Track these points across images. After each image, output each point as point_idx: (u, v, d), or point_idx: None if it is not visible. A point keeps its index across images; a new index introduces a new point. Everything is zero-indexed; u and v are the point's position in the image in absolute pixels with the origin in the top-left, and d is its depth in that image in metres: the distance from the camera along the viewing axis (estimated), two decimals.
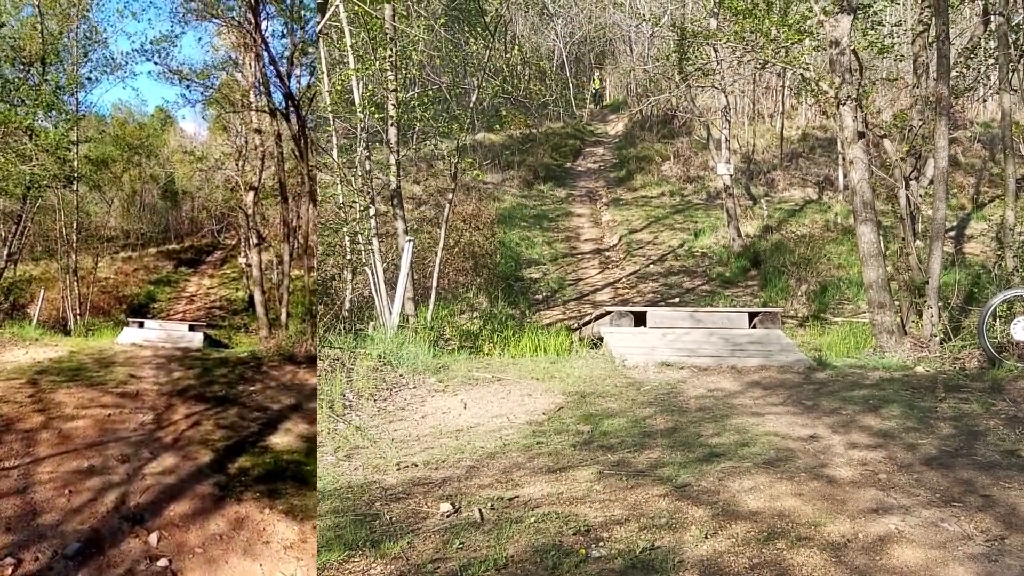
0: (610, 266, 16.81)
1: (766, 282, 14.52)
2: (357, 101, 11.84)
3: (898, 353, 8.67)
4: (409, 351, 7.73)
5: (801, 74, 11.79)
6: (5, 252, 17.48)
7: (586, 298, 14.97)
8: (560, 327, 11.85)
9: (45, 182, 16.27)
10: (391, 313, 9.25)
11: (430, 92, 11.53)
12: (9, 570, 3.79)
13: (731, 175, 16.80)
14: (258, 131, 16.01)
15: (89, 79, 18.89)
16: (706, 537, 3.92)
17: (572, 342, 9.79)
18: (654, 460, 5.10)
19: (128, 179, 27.68)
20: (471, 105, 11.48)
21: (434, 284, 11.25)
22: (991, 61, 10.38)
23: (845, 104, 9.67)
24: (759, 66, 14.39)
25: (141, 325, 15.62)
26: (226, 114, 19.69)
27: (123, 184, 27.24)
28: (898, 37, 10.77)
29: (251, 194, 15.90)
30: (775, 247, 15.88)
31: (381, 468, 5.16)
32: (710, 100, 24.01)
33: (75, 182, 18.91)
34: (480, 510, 4.34)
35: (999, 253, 9.13)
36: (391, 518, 4.31)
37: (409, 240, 9.21)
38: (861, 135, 9.68)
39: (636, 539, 3.93)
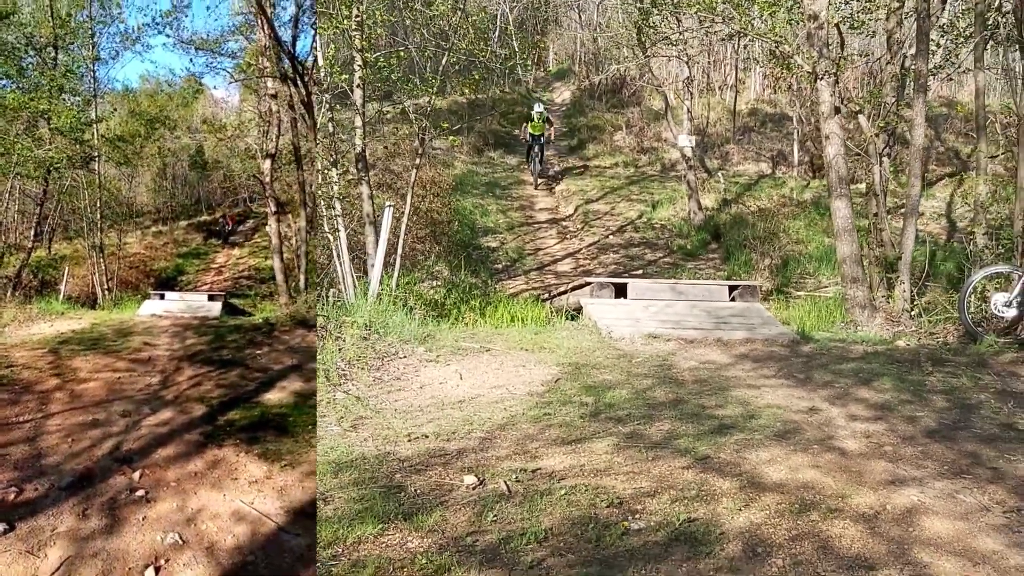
0: (568, 236, 16.85)
1: (728, 256, 14.75)
2: (320, 61, 11.55)
3: (871, 327, 8.93)
4: (394, 320, 7.65)
5: (773, 48, 11.92)
6: (32, 233, 17.95)
7: (547, 268, 15.00)
8: (527, 297, 11.86)
9: (61, 165, 16.55)
10: (362, 281, 9.12)
11: (399, 53, 11.29)
12: (12, 496, 4.60)
13: (692, 147, 16.96)
14: (273, 96, 15.79)
15: (99, 58, 18.98)
16: (740, 509, 3.99)
17: (549, 312, 9.81)
18: (667, 432, 5.17)
19: (151, 153, 27.01)
20: (441, 67, 11.27)
21: (398, 251, 11.10)
22: (961, 40, 10.66)
23: (822, 79, 9.82)
24: (725, 37, 14.48)
25: (162, 297, 16.10)
26: (240, 81, 19.70)
27: (145, 159, 26.47)
28: (871, 13, 10.93)
29: (268, 162, 15.73)
30: (735, 221, 16.12)
31: (391, 439, 5.11)
32: (658, 71, 24.15)
33: (92, 162, 18.97)
34: (506, 483, 4.34)
35: (971, 230, 9.45)
36: (416, 490, 4.28)
37: (389, 205, 9.06)
38: (837, 110, 9.86)
39: (672, 511, 3.98)
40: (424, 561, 3.52)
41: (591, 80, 29.61)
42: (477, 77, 11.90)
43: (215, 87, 29.03)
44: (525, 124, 20.14)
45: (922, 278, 9.54)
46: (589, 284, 9.56)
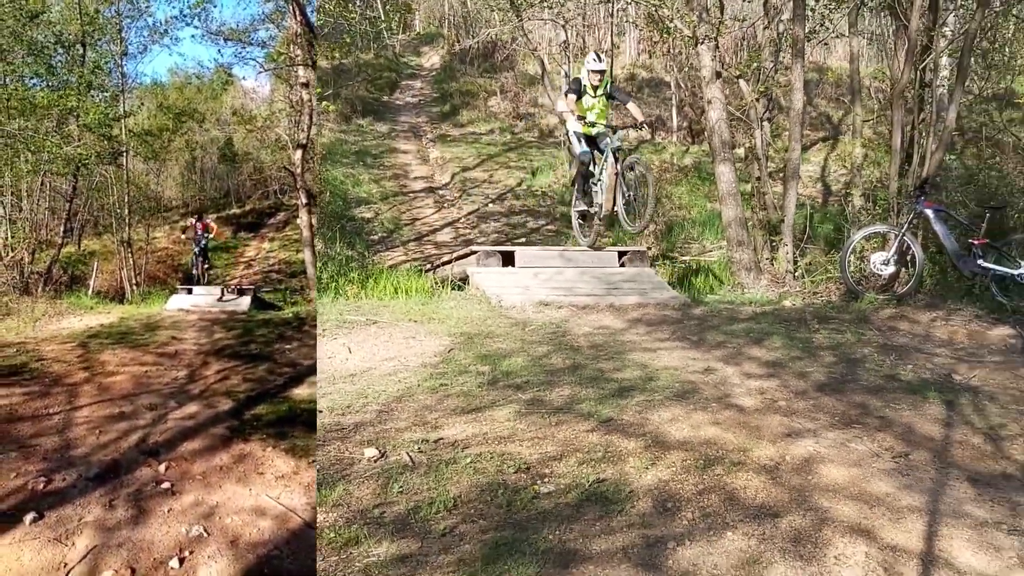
0: (446, 205, 16.87)
1: (611, 222, 15.07)
2: None
3: (757, 289, 9.36)
4: None
5: (652, 11, 12.20)
6: (61, 229, 18.59)
7: (426, 238, 14.99)
8: (408, 268, 11.80)
9: (90, 161, 17.02)
10: None
11: None
12: (41, 485, 4.90)
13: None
14: (305, 85, 15.31)
15: (126, 53, 19.62)
16: (647, 468, 4.16)
17: (433, 283, 9.81)
18: (568, 397, 5.30)
19: (179, 146, 27.27)
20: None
21: None
22: (834, 5, 11.20)
23: (703, 43, 10.16)
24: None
25: (190, 291, 16.40)
26: (271, 71, 19.87)
27: (172, 152, 26.67)
28: None
29: (299, 152, 15.56)
30: None
31: None
32: (531, 35, 24.34)
33: (120, 157, 19.54)
34: (408, 454, 4.36)
35: (848, 192, 10.02)
36: (315, 465, 4.25)
37: None
38: (718, 75, 10.23)
39: (579, 473, 4.10)
40: (332, 535, 3.52)
41: (462, 44, 29.56)
42: (349, 40, 11.71)
43: (244, 77, 29.23)
44: (559, 98, 10.39)
45: (803, 240, 10.05)
46: (475, 253, 9.61)
